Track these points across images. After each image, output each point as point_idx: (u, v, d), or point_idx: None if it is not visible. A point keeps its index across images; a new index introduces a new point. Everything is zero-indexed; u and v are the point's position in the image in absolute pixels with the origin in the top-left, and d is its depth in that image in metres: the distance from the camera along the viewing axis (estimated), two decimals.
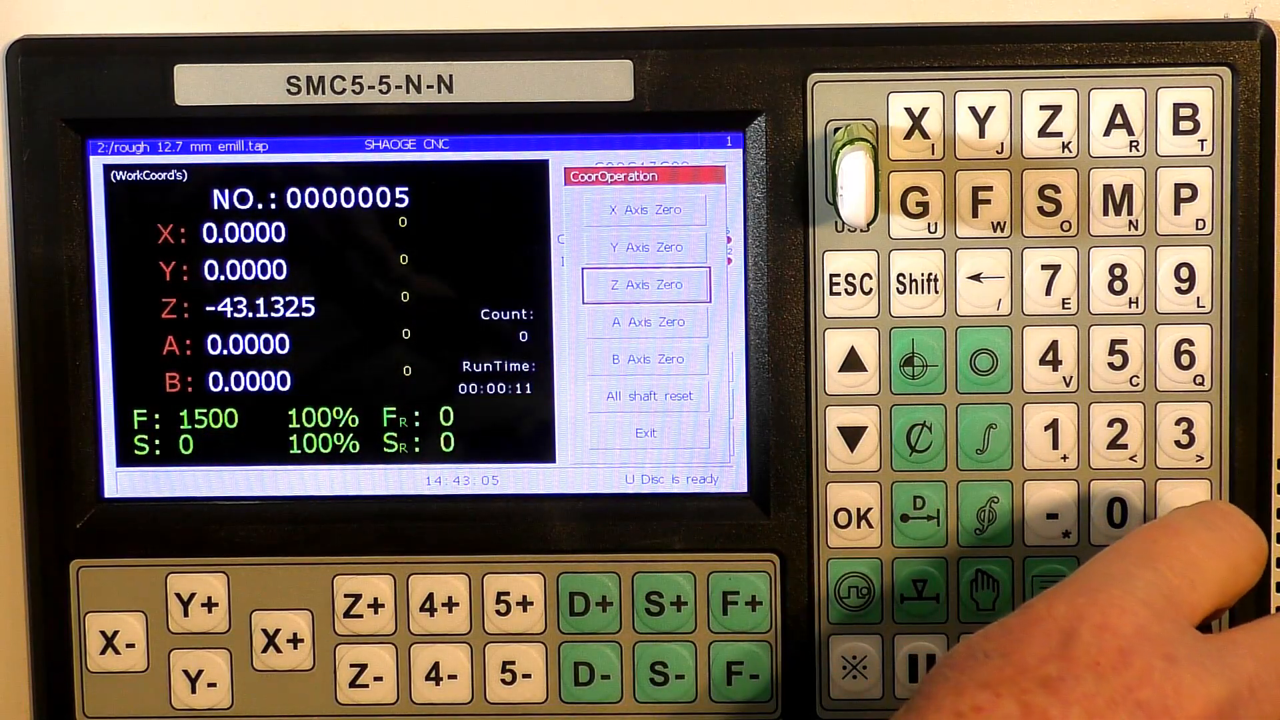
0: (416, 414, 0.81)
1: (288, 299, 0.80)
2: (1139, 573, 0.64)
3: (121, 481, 0.81)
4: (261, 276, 0.80)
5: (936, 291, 0.78)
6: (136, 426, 0.81)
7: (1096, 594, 0.62)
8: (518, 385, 0.80)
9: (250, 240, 0.80)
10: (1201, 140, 0.77)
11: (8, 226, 0.80)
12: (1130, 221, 0.78)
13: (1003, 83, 0.77)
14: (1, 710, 0.82)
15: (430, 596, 0.81)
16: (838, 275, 0.78)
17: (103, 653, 0.81)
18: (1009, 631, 0.61)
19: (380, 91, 0.78)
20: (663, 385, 0.80)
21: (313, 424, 0.81)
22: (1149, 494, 0.79)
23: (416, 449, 0.81)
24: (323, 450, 0.81)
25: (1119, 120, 0.77)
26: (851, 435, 0.79)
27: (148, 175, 0.80)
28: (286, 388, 0.81)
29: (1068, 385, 0.79)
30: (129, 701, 0.82)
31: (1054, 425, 0.79)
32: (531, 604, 0.81)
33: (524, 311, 0.80)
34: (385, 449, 0.81)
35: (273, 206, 0.80)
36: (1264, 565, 0.69)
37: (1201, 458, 0.79)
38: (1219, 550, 0.66)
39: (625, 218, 0.79)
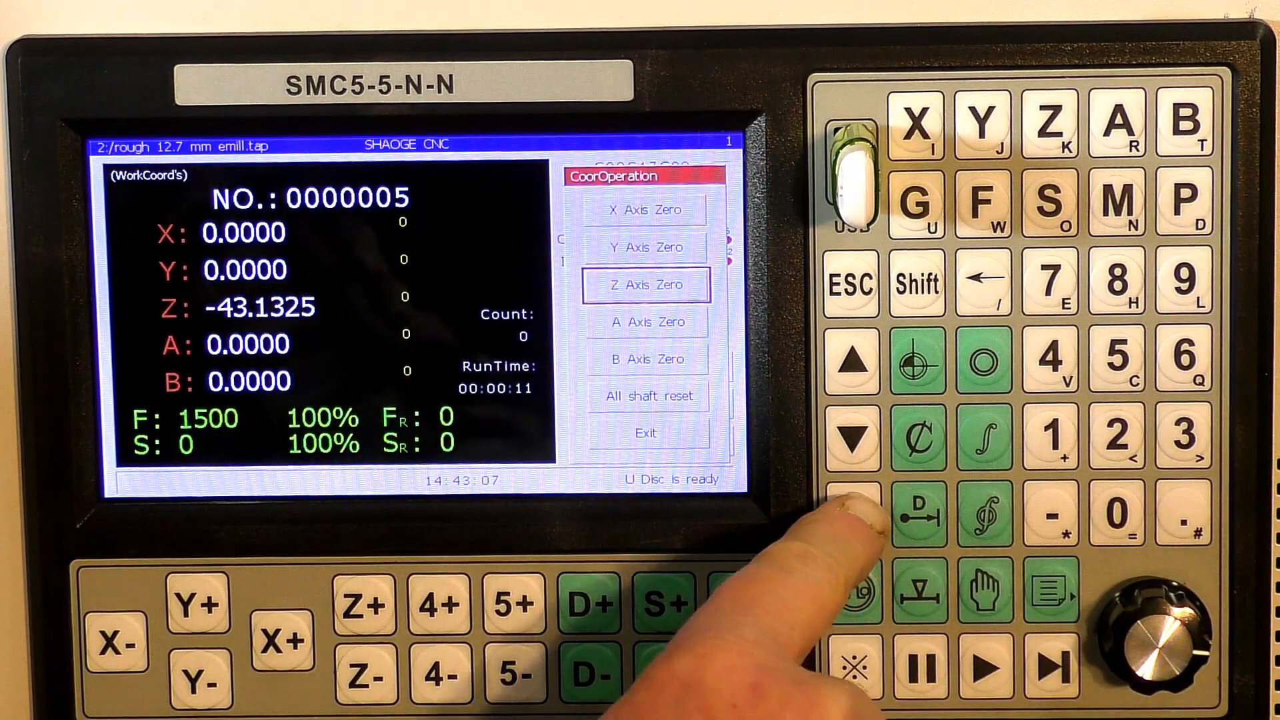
0: (416, 414, 0.81)
1: (288, 299, 0.80)
2: (741, 620, 0.65)
3: (121, 481, 0.81)
4: (261, 276, 0.80)
5: (936, 291, 0.78)
6: (136, 426, 0.81)
7: (711, 644, 0.64)
8: (518, 385, 0.80)
9: (250, 240, 0.80)
10: (1201, 140, 0.77)
11: (8, 226, 0.80)
12: (1130, 221, 0.78)
13: (1003, 83, 0.77)
14: (1, 710, 0.82)
15: (430, 596, 0.81)
16: (838, 275, 0.78)
17: (103, 653, 0.81)
18: (639, 707, 0.62)
19: (380, 91, 0.78)
20: (663, 385, 0.80)
21: (313, 424, 0.81)
22: (1149, 494, 0.79)
23: (416, 449, 0.81)
24: (323, 450, 0.81)
25: (1119, 120, 0.77)
26: (851, 435, 0.79)
27: (148, 175, 0.80)
28: (286, 388, 0.81)
29: (1068, 385, 0.79)
30: (129, 701, 0.82)
31: (1054, 425, 0.79)
32: (531, 604, 0.81)
33: (524, 311, 0.80)
34: (385, 449, 0.81)
35: (273, 206, 0.80)
36: (845, 593, 0.71)
37: (1201, 458, 0.79)
38: (802, 590, 0.69)
39: (625, 218, 0.79)
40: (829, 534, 0.73)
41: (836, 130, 0.77)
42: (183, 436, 0.81)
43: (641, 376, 0.80)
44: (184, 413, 0.81)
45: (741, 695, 0.60)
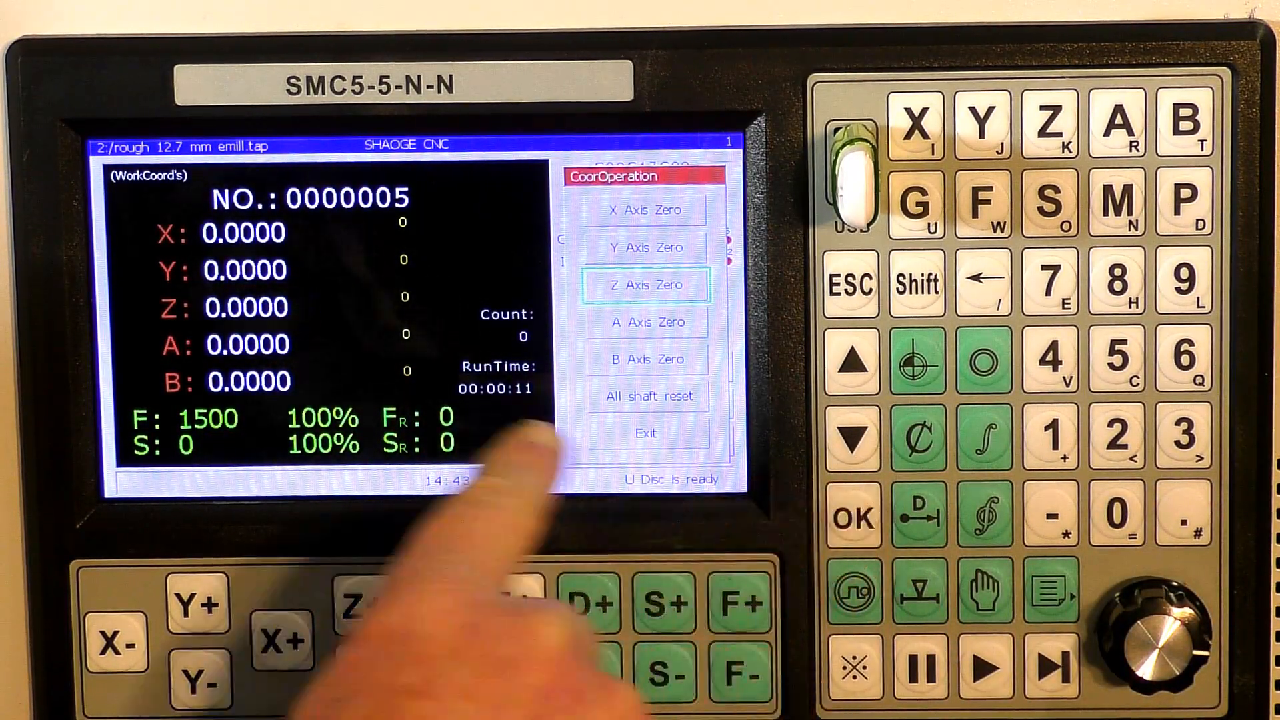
0: (416, 414, 0.81)
1: (288, 299, 0.80)
2: (444, 560, 0.65)
3: (121, 481, 0.81)
4: (261, 276, 0.80)
5: (936, 291, 0.78)
6: (136, 427, 0.81)
7: (418, 590, 0.63)
8: (518, 385, 0.80)
9: (250, 240, 0.80)
10: (1201, 140, 0.77)
11: (8, 226, 0.80)
12: (1130, 221, 0.78)
13: (1003, 83, 0.77)
14: (2, 710, 0.82)
15: None
16: (838, 275, 0.78)
17: (103, 653, 0.81)
18: (354, 665, 0.61)
19: (380, 91, 0.78)
20: (663, 385, 0.80)
21: (313, 424, 0.81)
22: (1149, 494, 0.79)
23: (416, 449, 0.81)
24: (323, 450, 0.81)
25: (1119, 120, 0.77)
26: (851, 435, 0.79)
27: (148, 175, 0.80)
28: (286, 388, 0.81)
29: (1068, 385, 0.79)
30: (129, 702, 0.82)
31: (1054, 425, 0.79)
32: None
33: (524, 311, 0.80)
34: (385, 449, 0.81)
35: (273, 206, 0.80)
36: (539, 517, 0.71)
37: (1201, 458, 0.79)
38: (498, 520, 0.68)
39: (625, 218, 0.79)
40: (512, 463, 0.72)
41: (836, 130, 0.77)
42: (183, 436, 0.81)
43: (641, 376, 0.80)
44: (184, 413, 0.81)
45: (457, 636, 0.60)
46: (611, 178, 0.79)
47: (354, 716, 0.58)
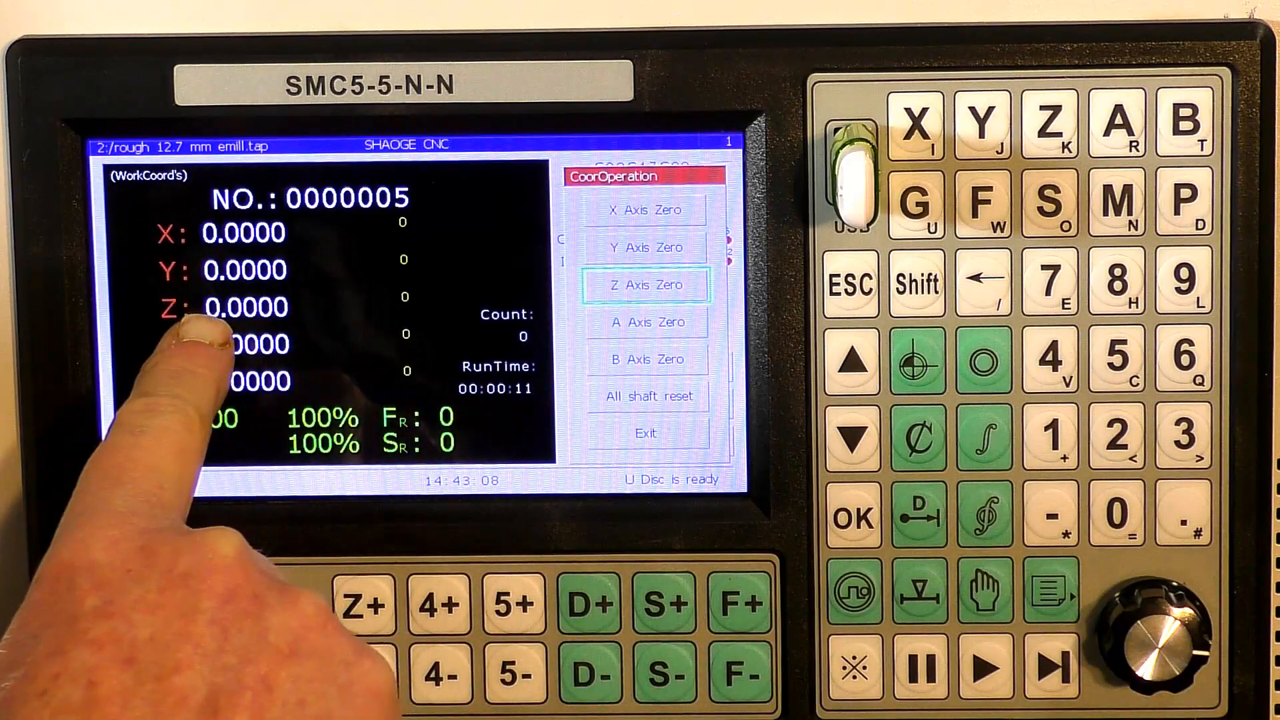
0: (416, 414, 0.81)
1: (288, 299, 0.80)
2: (112, 494, 0.65)
3: None
4: (261, 276, 0.80)
5: (936, 291, 0.78)
6: None
7: (88, 525, 0.63)
8: (518, 385, 0.80)
9: (250, 240, 0.80)
10: (1201, 140, 0.77)
11: (8, 226, 0.80)
12: (1130, 221, 0.78)
13: (1003, 83, 0.77)
14: None
15: (430, 596, 0.81)
16: (838, 275, 0.78)
17: None
18: (36, 606, 0.61)
19: (380, 91, 0.78)
20: (663, 385, 0.80)
21: (313, 424, 0.81)
22: (1149, 494, 0.79)
23: (416, 449, 0.81)
24: (323, 450, 0.81)
25: (1119, 120, 0.77)
26: (851, 435, 0.79)
27: (148, 175, 0.80)
28: (286, 388, 0.81)
29: (1068, 385, 0.79)
30: None
31: (1054, 425, 0.79)
32: (531, 604, 0.81)
33: (524, 311, 0.80)
34: (385, 449, 0.81)
35: (273, 206, 0.80)
36: (206, 427, 0.70)
37: (1201, 458, 0.79)
38: (160, 446, 0.68)
39: (625, 218, 0.79)
40: (168, 372, 0.72)
41: (836, 130, 0.77)
42: None
43: (641, 376, 0.80)
44: None
45: (133, 560, 0.61)
46: (611, 178, 0.79)
47: (46, 650, 0.59)
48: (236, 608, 0.61)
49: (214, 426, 0.79)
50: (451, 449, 0.81)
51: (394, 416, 0.81)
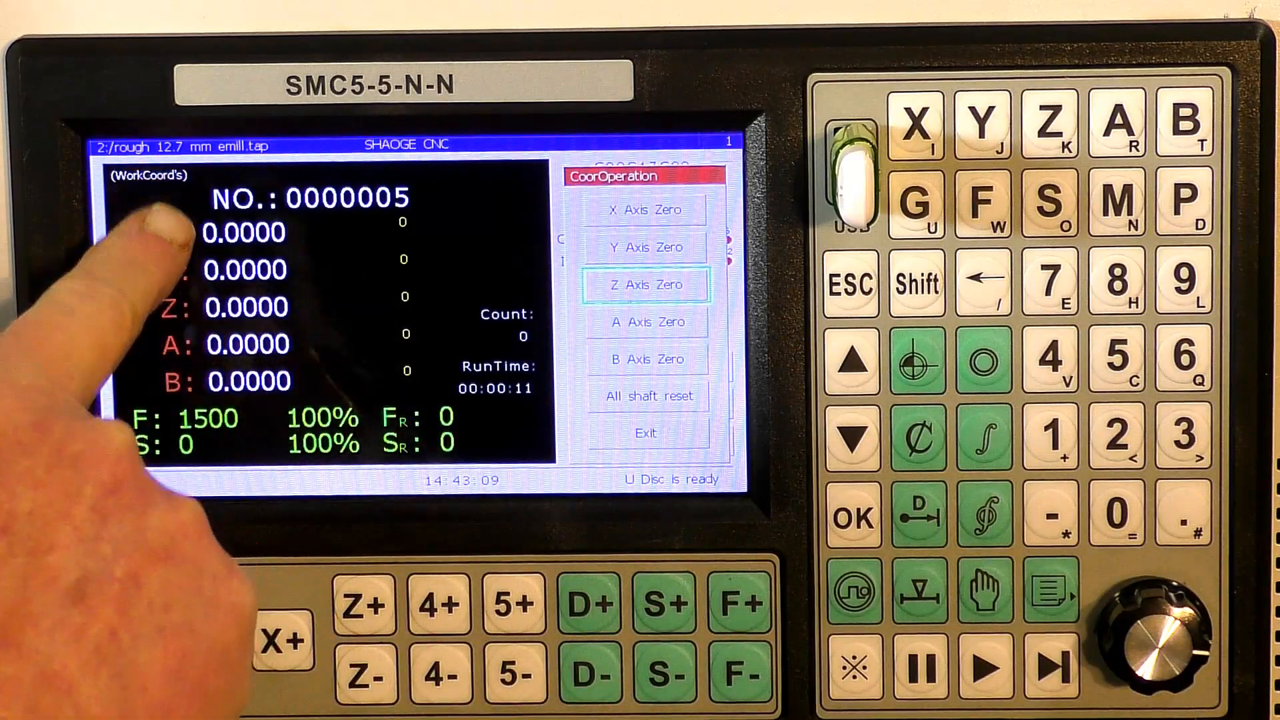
0: (416, 414, 0.81)
1: (288, 299, 0.80)
2: (20, 364, 0.65)
3: None
4: (261, 276, 0.80)
5: (936, 291, 0.78)
6: (136, 426, 0.80)
7: None
8: (518, 385, 0.80)
9: (250, 240, 0.80)
10: (1201, 140, 0.77)
11: (8, 226, 0.80)
12: (1130, 221, 0.78)
13: (1003, 83, 0.77)
14: None
15: (430, 596, 0.81)
16: (838, 275, 0.78)
17: None
18: None
19: (380, 91, 0.78)
20: (663, 385, 0.80)
21: (313, 424, 0.81)
22: (1149, 494, 0.79)
23: (416, 449, 0.81)
24: (323, 450, 0.81)
25: (1119, 120, 0.77)
26: (851, 435, 0.79)
27: (148, 175, 0.80)
28: (286, 388, 0.81)
29: (1068, 385, 0.79)
30: None
31: (1054, 425, 0.79)
32: (531, 604, 0.81)
33: (524, 311, 0.80)
34: (385, 449, 0.81)
35: (273, 206, 0.80)
36: (135, 326, 0.70)
37: (1201, 458, 0.79)
38: (83, 335, 0.68)
39: (625, 218, 0.79)
40: (122, 259, 0.72)
41: (836, 130, 0.77)
42: (183, 436, 0.81)
43: (641, 376, 0.80)
44: (184, 413, 0.81)
45: (25, 433, 0.60)
46: (611, 178, 0.79)
47: None
48: (120, 500, 0.60)
49: (215, 427, 0.79)
50: (452, 449, 0.81)
51: (394, 416, 0.81)
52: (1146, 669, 0.78)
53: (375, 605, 0.81)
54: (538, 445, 0.81)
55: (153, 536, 0.60)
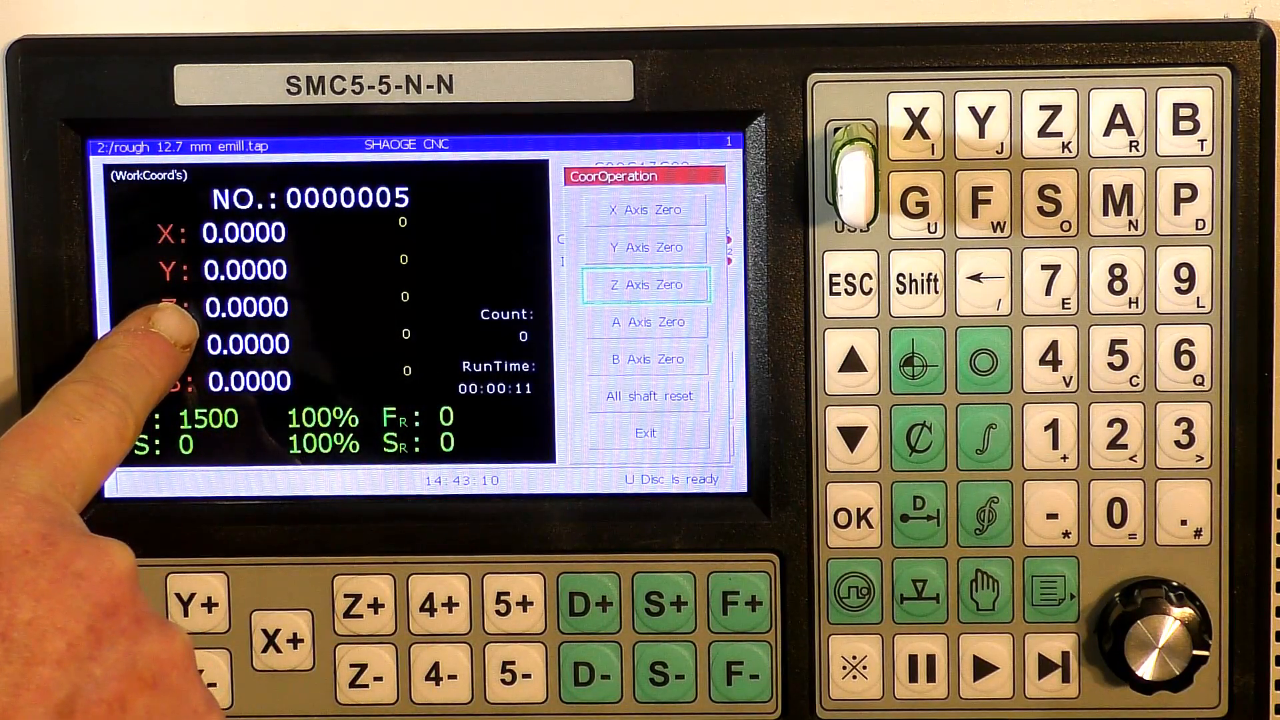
0: (416, 414, 0.81)
1: (288, 299, 0.80)
2: (29, 469, 0.65)
3: (121, 481, 0.81)
4: (261, 276, 0.80)
5: (936, 291, 0.78)
6: None
7: None
8: (518, 385, 0.80)
9: (250, 240, 0.80)
10: (1201, 140, 0.77)
11: (8, 226, 0.80)
12: (1130, 221, 0.78)
13: (1003, 83, 0.77)
14: None
15: (430, 596, 0.81)
16: (838, 275, 0.78)
17: None
18: None
19: (380, 91, 0.78)
20: (663, 385, 0.80)
21: (313, 424, 0.81)
22: (1149, 494, 0.79)
23: (416, 449, 0.81)
24: (323, 450, 0.81)
25: (1119, 120, 0.77)
26: (851, 435, 0.79)
27: (148, 175, 0.80)
28: (286, 388, 0.81)
29: (1068, 385, 0.79)
30: None
31: (1054, 425, 0.79)
32: (531, 604, 0.81)
33: (524, 311, 0.80)
34: (385, 449, 0.81)
35: (273, 206, 0.80)
36: (136, 431, 0.71)
37: (1201, 458, 0.79)
38: (89, 443, 0.68)
39: (625, 218, 0.79)
40: (126, 363, 0.72)
41: (836, 130, 0.77)
42: (183, 436, 0.81)
43: (641, 376, 0.80)
44: (184, 413, 0.81)
45: (32, 544, 0.61)
46: (611, 178, 0.79)
47: None
48: (116, 623, 0.61)
49: (215, 427, 0.79)
50: (452, 449, 0.81)
51: (394, 416, 0.81)
52: (1146, 669, 0.78)
53: (375, 605, 0.81)
54: (538, 445, 0.81)
55: (143, 664, 0.61)
